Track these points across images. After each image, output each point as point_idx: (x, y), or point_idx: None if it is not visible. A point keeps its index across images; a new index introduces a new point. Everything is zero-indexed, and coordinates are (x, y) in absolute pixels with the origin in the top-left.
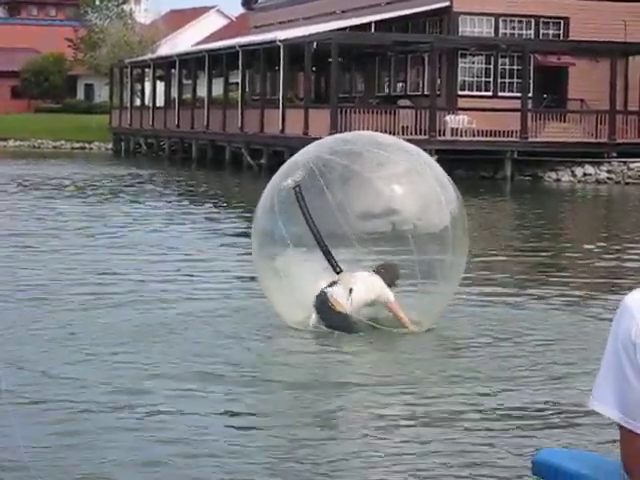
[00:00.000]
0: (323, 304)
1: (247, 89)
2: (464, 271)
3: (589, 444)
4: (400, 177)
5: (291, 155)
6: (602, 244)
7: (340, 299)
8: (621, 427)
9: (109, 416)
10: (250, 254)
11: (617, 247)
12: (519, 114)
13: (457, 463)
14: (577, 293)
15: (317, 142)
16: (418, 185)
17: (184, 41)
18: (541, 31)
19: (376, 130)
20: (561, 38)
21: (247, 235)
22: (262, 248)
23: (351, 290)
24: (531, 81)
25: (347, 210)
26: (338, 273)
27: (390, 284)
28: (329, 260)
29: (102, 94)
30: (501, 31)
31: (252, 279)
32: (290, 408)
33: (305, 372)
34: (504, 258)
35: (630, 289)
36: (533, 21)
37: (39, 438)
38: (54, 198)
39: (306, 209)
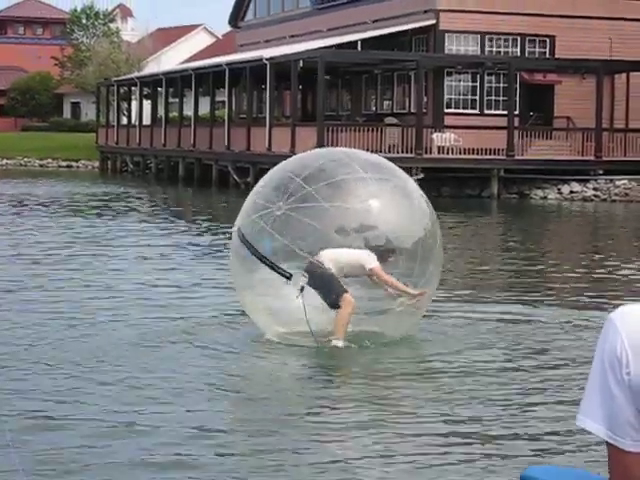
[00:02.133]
0: (311, 264)
1: (234, 107)
2: (439, 284)
3: (577, 462)
4: (374, 193)
5: None
6: (588, 261)
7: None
8: (609, 445)
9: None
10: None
11: (604, 263)
12: (505, 132)
13: (444, 475)
14: (567, 311)
15: (294, 158)
16: (392, 201)
17: (171, 59)
18: (527, 49)
19: (362, 148)
20: (547, 56)
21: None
22: (240, 264)
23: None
24: (517, 99)
25: (323, 227)
26: (289, 278)
27: (381, 259)
28: (276, 271)
29: (89, 112)
30: (487, 49)
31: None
32: (256, 422)
33: (285, 386)
34: (485, 276)
35: (616, 305)
36: (519, 39)
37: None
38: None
39: (250, 245)
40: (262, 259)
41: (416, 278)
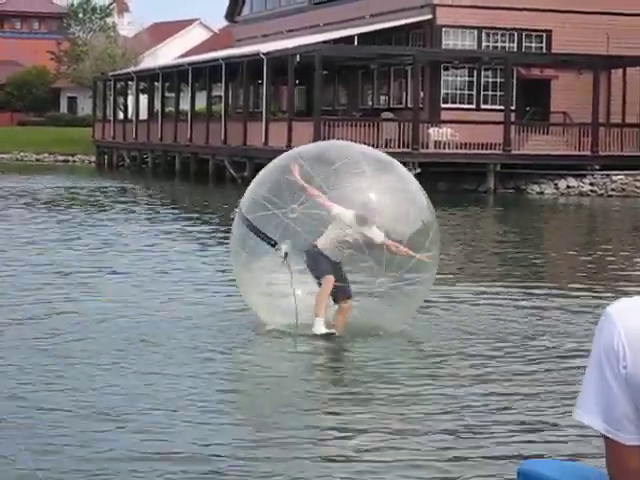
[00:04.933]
0: (310, 246)
1: (230, 102)
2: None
3: (575, 455)
4: (372, 187)
5: None
6: (584, 252)
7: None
8: (605, 438)
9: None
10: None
11: (598, 256)
12: (502, 127)
13: (440, 470)
14: (563, 301)
15: (292, 151)
16: (390, 195)
17: (167, 54)
18: (524, 44)
19: (359, 143)
20: (544, 51)
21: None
22: (238, 254)
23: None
24: (514, 94)
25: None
26: (273, 246)
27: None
28: (261, 237)
29: (85, 107)
30: (484, 44)
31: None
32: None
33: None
34: (479, 266)
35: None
36: (516, 34)
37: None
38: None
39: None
40: (249, 226)
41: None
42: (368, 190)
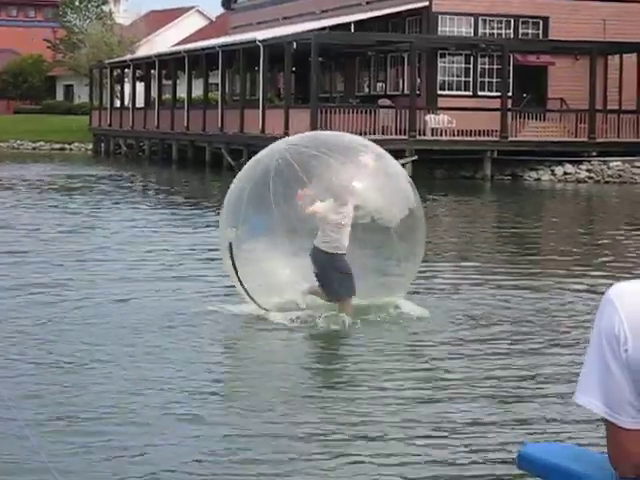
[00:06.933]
0: (314, 247)
1: (227, 89)
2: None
3: (576, 440)
4: (360, 173)
5: None
6: (580, 238)
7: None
8: (606, 422)
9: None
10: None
11: (595, 238)
12: (499, 113)
13: (443, 456)
14: (557, 280)
15: (282, 141)
16: (377, 180)
17: (164, 42)
18: (520, 30)
19: (356, 130)
20: (541, 37)
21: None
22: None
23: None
24: (510, 80)
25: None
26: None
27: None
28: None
29: (82, 95)
30: (480, 30)
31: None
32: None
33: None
34: (474, 253)
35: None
36: (512, 20)
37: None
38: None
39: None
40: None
41: (402, 258)
42: (349, 175)
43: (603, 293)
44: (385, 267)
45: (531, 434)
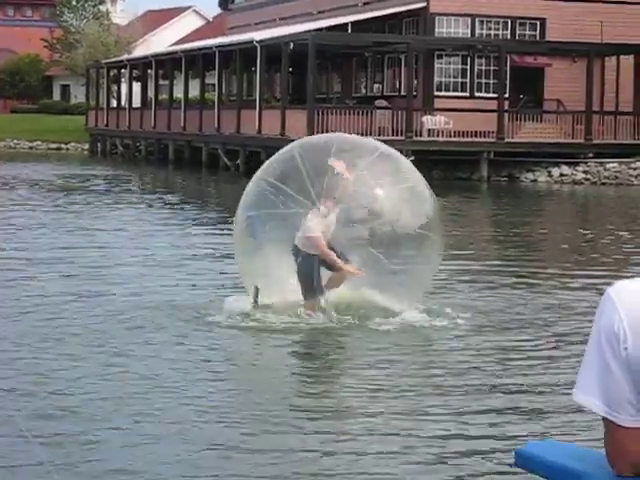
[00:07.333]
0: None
1: (224, 90)
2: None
3: (575, 439)
4: (378, 180)
5: (268, 157)
6: (575, 238)
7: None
8: (605, 420)
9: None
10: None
11: (591, 237)
12: (495, 115)
13: (444, 453)
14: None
15: (296, 143)
16: (395, 187)
17: (161, 42)
18: (517, 32)
19: (352, 131)
20: (537, 39)
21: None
22: (243, 243)
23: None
24: (507, 82)
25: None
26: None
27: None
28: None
29: (78, 95)
30: (477, 32)
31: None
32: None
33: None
34: (474, 252)
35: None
36: (509, 22)
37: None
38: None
39: None
40: None
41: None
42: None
43: (602, 292)
44: (398, 273)
45: (533, 434)
